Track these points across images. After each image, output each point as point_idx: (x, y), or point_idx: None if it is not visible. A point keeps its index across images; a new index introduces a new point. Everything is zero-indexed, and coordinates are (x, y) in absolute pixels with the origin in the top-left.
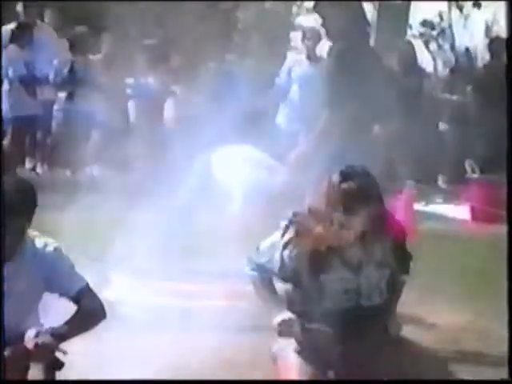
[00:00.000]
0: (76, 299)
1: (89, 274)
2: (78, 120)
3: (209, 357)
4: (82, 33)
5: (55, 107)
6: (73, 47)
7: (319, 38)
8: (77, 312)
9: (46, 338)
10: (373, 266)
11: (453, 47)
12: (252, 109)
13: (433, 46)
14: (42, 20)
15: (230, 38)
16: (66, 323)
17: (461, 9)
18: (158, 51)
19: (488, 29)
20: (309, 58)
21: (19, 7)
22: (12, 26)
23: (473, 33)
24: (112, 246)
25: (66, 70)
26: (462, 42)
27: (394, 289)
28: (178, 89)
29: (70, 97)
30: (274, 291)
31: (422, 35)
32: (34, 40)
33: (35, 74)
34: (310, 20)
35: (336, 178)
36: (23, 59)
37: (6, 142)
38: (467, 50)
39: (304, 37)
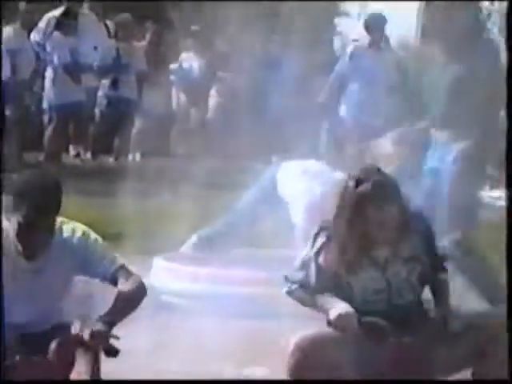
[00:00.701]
0: (113, 281)
1: (133, 261)
2: (121, 107)
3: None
4: (126, 20)
5: (99, 94)
6: (117, 34)
7: (383, 27)
8: (118, 294)
9: (99, 326)
10: (400, 262)
11: None
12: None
13: None
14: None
15: (273, 23)
16: (111, 308)
17: None
18: (203, 36)
19: None
20: (373, 46)
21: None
22: (57, 12)
23: None
24: (158, 233)
25: (110, 57)
26: None
27: (434, 287)
28: (223, 75)
29: (114, 84)
30: (320, 294)
31: None
32: (79, 27)
33: (80, 61)
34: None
35: (350, 183)
36: (68, 46)
37: (49, 128)
38: None
39: (368, 25)
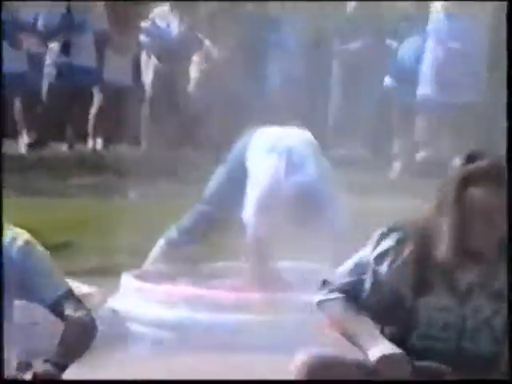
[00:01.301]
0: (57, 311)
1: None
2: (75, 78)
3: None
4: None
5: (47, 62)
6: None
7: None
8: (65, 330)
9: (46, 367)
10: (485, 296)
11: None
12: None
13: None
14: None
15: None
16: (59, 346)
17: None
18: None
19: None
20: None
21: None
22: None
23: None
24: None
25: (58, 13)
26: None
27: None
28: (208, 39)
29: (66, 48)
30: (364, 319)
31: None
32: None
33: (19, 19)
34: None
35: (460, 160)
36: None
37: None
38: None
39: None
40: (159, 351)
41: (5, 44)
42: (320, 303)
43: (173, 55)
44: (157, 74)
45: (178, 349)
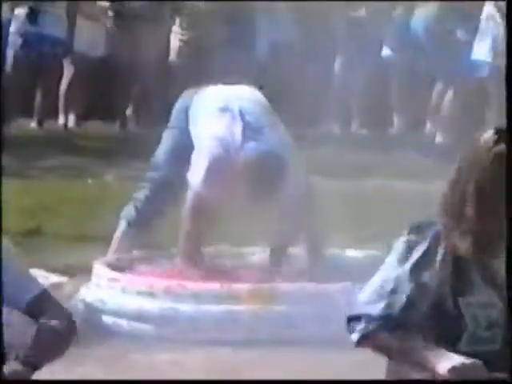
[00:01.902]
0: (30, 313)
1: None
2: (43, 48)
3: None
4: None
5: (11, 29)
6: None
7: None
8: (38, 331)
9: (16, 365)
10: None
11: None
12: None
13: None
14: None
15: None
16: (32, 345)
17: None
18: None
19: None
20: None
21: None
22: None
23: None
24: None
25: None
26: None
27: None
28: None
29: (32, 15)
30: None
31: None
32: None
33: None
34: None
35: (489, 137)
36: None
37: None
38: None
39: None
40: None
41: None
42: (362, 338)
43: (150, 22)
44: (132, 44)
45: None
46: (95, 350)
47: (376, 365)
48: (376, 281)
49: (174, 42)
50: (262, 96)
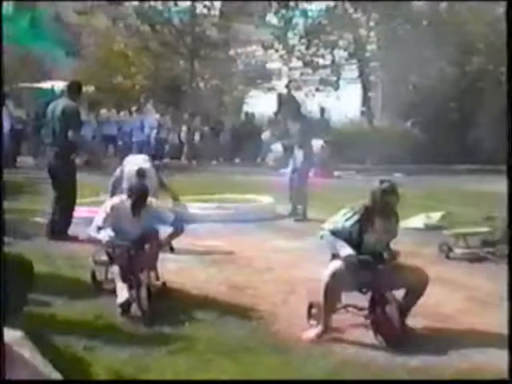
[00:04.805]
0: (171, 224)
1: None
2: None
3: None
4: None
5: None
6: None
7: None
8: (173, 230)
9: (168, 238)
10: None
11: None
12: None
13: None
14: None
15: None
16: (170, 235)
17: None
18: None
19: None
20: None
21: None
22: None
23: None
24: None
25: None
26: None
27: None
28: None
29: None
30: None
31: None
32: None
33: None
34: None
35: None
36: None
37: None
38: None
39: None
40: None
41: None
42: (321, 237)
43: None
44: None
45: None
46: None
47: None
48: (334, 219)
49: None
50: None
